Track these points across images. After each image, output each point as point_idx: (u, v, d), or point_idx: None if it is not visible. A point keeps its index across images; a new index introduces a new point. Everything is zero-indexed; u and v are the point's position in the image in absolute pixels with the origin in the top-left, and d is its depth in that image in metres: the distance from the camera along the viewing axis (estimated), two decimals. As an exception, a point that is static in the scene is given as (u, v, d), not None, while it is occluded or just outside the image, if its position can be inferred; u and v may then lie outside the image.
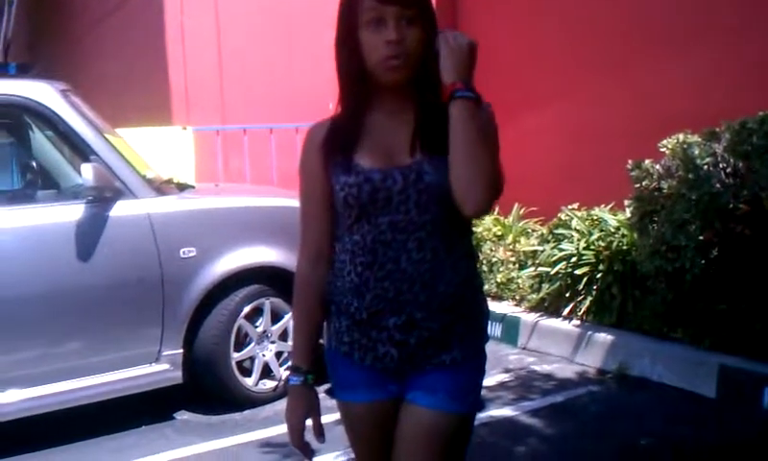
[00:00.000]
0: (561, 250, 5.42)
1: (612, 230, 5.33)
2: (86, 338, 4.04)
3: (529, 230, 6.53)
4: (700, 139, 4.59)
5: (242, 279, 4.37)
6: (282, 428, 1.89)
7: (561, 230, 5.65)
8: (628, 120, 6.24)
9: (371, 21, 1.68)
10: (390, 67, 1.69)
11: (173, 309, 4.17)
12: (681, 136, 4.71)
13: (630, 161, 4.88)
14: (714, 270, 4.34)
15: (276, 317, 4.52)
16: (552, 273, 5.40)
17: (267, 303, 4.46)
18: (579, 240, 5.37)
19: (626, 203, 5.09)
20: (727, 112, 4.61)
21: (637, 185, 4.80)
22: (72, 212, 4.00)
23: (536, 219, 6.68)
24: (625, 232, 5.22)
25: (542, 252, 5.63)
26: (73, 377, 3.96)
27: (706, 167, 4.40)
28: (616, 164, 5.10)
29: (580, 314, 5.22)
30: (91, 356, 4.02)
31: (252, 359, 4.46)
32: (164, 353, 4.17)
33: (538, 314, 5.51)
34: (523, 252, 6.09)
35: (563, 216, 5.81)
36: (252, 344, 4.44)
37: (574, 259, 5.26)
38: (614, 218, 5.44)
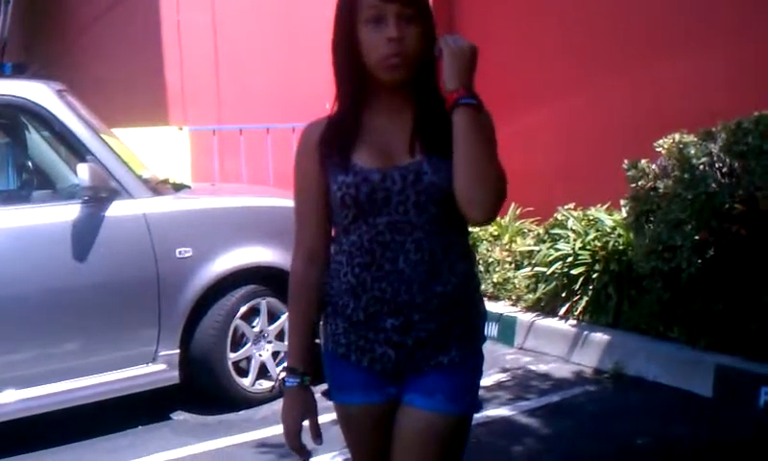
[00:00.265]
0: (557, 250, 5.42)
1: (609, 229, 5.34)
2: (83, 338, 4.03)
3: (525, 231, 6.53)
4: (696, 139, 4.60)
5: (238, 279, 4.37)
6: (279, 429, 1.87)
7: (557, 230, 5.66)
8: (624, 120, 6.24)
9: (370, 19, 1.67)
10: (390, 66, 1.68)
11: (169, 309, 4.16)
12: (677, 136, 4.71)
13: (626, 161, 4.90)
14: (710, 270, 4.35)
15: (272, 317, 4.52)
16: (548, 273, 5.40)
17: (263, 304, 4.46)
18: (575, 240, 5.37)
19: (622, 202, 5.11)
20: (723, 112, 4.62)
21: (633, 185, 4.81)
22: (68, 212, 3.99)
23: (532, 219, 6.68)
24: (621, 232, 5.22)
25: (539, 252, 5.64)
26: (69, 378, 3.96)
27: (701, 167, 4.41)
28: (612, 164, 5.11)
29: (576, 314, 5.22)
30: (88, 357, 4.02)
31: (248, 359, 4.46)
32: (161, 354, 4.17)
33: (534, 314, 5.51)
34: (519, 252, 6.09)
35: (559, 216, 5.82)
36: (249, 344, 4.44)
37: (570, 259, 5.27)
38: (610, 218, 5.44)
